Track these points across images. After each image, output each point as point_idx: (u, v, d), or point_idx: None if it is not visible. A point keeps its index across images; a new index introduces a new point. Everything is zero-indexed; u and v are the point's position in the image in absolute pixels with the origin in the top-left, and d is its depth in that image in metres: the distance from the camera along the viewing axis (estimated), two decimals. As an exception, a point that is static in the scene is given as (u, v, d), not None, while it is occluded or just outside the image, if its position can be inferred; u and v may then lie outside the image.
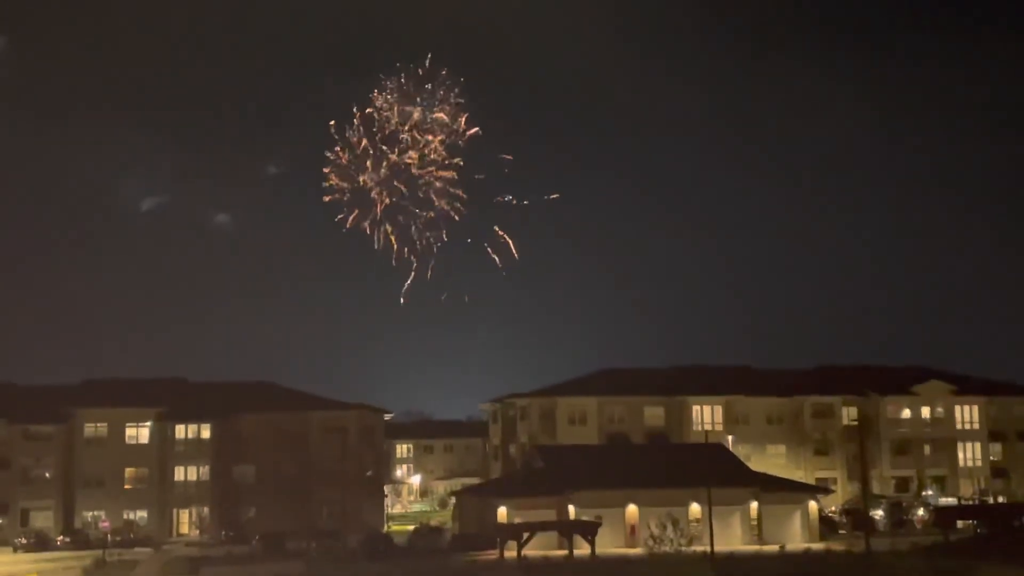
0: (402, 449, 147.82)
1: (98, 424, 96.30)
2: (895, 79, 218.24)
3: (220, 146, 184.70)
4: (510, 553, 68.85)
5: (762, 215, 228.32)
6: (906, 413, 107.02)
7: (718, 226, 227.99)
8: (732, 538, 75.87)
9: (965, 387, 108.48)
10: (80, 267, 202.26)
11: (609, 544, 72.92)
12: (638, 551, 70.54)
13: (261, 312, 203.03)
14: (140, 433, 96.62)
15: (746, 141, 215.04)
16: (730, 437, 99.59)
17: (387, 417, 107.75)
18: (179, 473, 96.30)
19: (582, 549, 70.09)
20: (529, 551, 68.79)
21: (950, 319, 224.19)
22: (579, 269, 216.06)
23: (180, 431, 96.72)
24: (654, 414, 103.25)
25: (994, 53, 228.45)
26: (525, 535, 69.69)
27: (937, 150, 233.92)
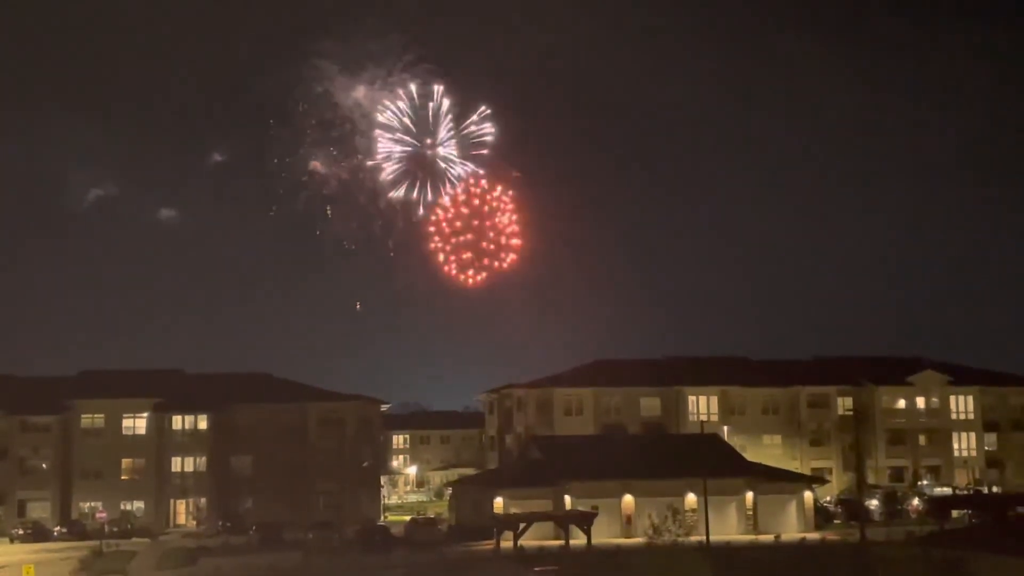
0: (399, 440, 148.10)
1: (95, 415, 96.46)
2: (887, 70, 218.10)
3: (167, 136, 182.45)
4: (506, 543, 69.08)
5: (757, 206, 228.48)
6: (901, 403, 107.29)
7: (713, 217, 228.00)
8: (728, 528, 76.19)
9: (960, 377, 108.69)
10: (76, 260, 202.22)
11: (605, 534, 73.17)
12: (634, 541, 70.81)
13: (256, 304, 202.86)
14: (137, 424, 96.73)
15: (740, 131, 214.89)
16: (726, 427, 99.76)
17: (384, 408, 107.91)
18: (176, 464, 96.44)
19: (578, 539, 70.32)
20: (525, 541, 69.03)
21: (945, 309, 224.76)
22: (575, 260, 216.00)
23: (177, 422, 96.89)
24: (650, 405, 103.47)
25: (990, 44, 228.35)
26: (521, 525, 69.92)
27: (930, 140, 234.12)
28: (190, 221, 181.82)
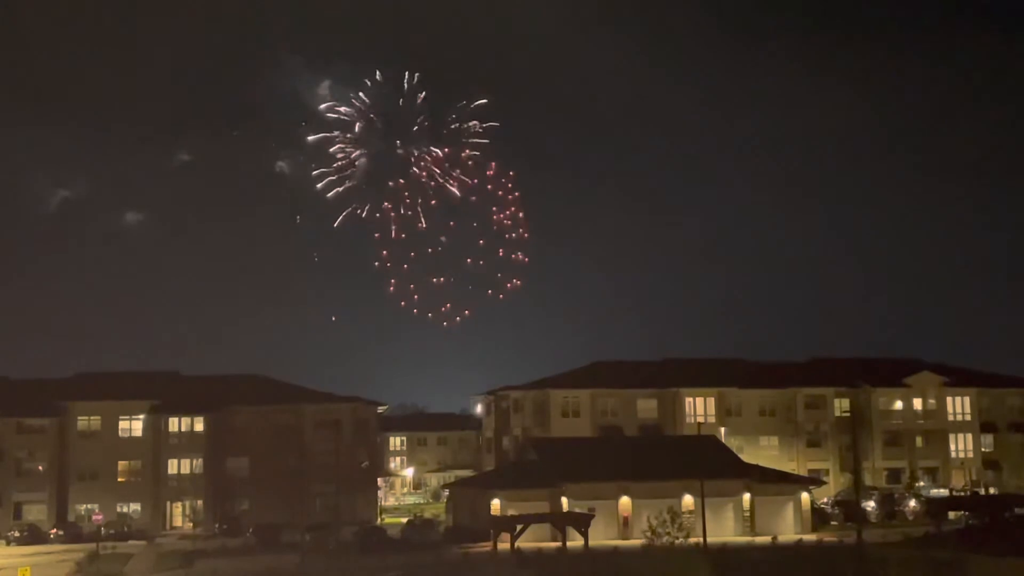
0: (395, 442, 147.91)
1: (91, 417, 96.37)
2: (887, 73, 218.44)
3: (132, 135, 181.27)
4: (504, 545, 69.02)
5: (753, 207, 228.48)
6: (898, 405, 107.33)
7: (710, 218, 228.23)
8: (725, 529, 76.21)
9: (957, 379, 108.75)
10: (71, 261, 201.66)
11: (602, 536, 73.16)
12: (632, 543, 70.70)
13: (251, 305, 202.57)
14: (133, 426, 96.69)
15: (736, 133, 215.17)
16: (723, 429, 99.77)
17: (380, 410, 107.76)
18: (172, 466, 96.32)
19: (576, 541, 70.25)
20: (522, 543, 68.97)
21: (942, 311, 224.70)
22: (572, 261, 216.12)
23: (173, 424, 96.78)
24: (647, 406, 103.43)
25: (991, 46, 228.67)
26: (518, 527, 69.89)
27: (928, 142, 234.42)
28: (171, 222, 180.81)
